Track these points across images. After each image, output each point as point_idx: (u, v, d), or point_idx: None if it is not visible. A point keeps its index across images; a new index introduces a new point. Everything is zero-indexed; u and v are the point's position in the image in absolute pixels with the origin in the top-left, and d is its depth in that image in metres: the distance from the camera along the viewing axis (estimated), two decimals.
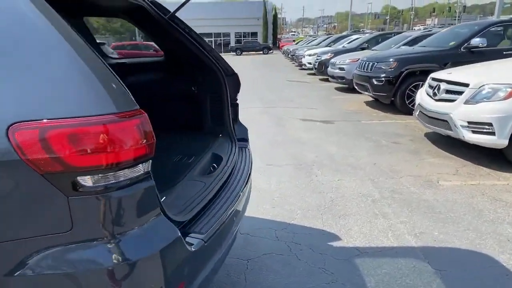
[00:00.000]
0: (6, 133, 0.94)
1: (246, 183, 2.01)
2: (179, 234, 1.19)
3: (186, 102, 2.69)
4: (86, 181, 0.99)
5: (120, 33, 33.21)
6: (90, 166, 0.99)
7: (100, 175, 1.00)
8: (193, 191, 1.64)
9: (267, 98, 9.00)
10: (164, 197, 1.53)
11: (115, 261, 1.03)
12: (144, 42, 20.32)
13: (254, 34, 43.68)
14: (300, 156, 4.42)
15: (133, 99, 1.08)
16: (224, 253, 1.58)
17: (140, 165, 1.08)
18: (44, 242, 1.01)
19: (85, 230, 1.02)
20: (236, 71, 2.43)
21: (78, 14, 2.72)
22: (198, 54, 2.32)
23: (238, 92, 2.45)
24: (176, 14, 2.27)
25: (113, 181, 1.02)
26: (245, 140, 2.46)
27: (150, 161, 1.12)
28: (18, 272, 1.01)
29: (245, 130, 2.51)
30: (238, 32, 43.69)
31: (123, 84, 1.08)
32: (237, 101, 2.48)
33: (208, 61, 2.32)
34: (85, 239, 1.02)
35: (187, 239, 1.28)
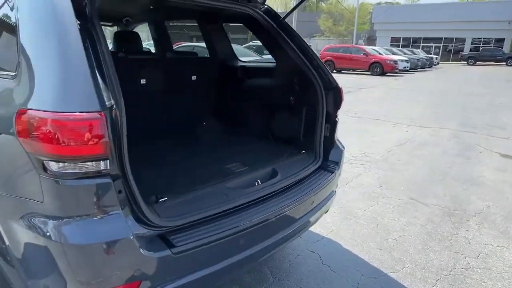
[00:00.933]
0: (15, 116, 1.20)
1: (302, 212, 1.85)
2: (131, 236, 1.26)
3: (281, 111, 2.66)
4: (51, 165, 1.17)
5: None
6: (49, 154, 1.16)
7: (60, 163, 1.17)
8: (210, 201, 1.66)
9: (469, 119, 7.37)
10: (166, 198, 1.61)
11: (55, 239, 1.20)
12: None
13: (499, 41, 35.61)
14: (462, 200, 3.48)
15: (100, 101, 1.18)
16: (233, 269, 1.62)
17: (91, 162, 1.20)
18: (31, 205, 1.25)
19: (49, 207, 1.21)
20: (338, 84, 2.23)
21: (218, 20, 3.21)
22: (300, 64, 2.28)
23: (338, 107, 2.24)
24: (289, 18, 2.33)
25: (69, 171, 1.18)
26: (335, 163, 2.22)
27: (107, 161, 1.22)
28: (21, 220, 1.28)
29: (339, 152, 2.27)
30: (477, 38, 36.78)
31: (100, 86, 1.21)
32: (337, 118, 2.27)
33: (308, 72, 2.23)
34: (48, 215, 1.22)
35: (157, 244, 1.35)
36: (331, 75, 2.24)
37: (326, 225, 2.91)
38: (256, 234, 1.65)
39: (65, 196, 1.21)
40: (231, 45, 3.40)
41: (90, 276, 1.26)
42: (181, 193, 1.71)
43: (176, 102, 3.15)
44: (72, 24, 1.26)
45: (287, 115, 2.57)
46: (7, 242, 1.36)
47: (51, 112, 1.14)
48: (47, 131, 1.15)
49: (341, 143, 2.35)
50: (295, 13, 33.71)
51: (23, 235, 1.29)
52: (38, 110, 1.16)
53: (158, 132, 2.86)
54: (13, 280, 1.43)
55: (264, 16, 2.33)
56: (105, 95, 1.22)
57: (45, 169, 1.18)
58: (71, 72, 1.20)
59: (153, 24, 4.07)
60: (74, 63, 1.21)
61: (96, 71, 1.26)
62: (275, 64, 2.71)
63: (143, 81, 2.85)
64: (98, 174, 1.22)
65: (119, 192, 1.28)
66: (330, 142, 2.26)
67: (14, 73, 1.30)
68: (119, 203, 1.27)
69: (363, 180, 3.93)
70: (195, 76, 3.13)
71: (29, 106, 1.18)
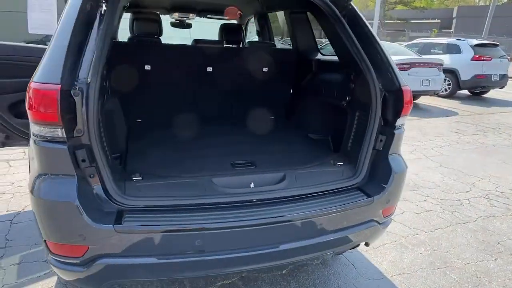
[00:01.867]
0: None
1: (307, 231, 1.67)
2: (75, 202, 1.39)
3: (333, 112, 2.45)
4: (32, 128, 1.44)
5: None
6: (31, 118, 1.43)
7: (36, 126, 1.42)
8: (184, 191, 1.68)
9: None
10: (140, 178, 1.72)
11: (31, 189, 1.47)
12: None
13: None
14: None
15: (63, 76, 1.39)
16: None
17: (49, 128, 1.40)
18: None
19: (35, 163, 1.48)
20: (403, 85, 1.90)
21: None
22: (357, 58, 1.99)
23: (398, 115, 1.88)
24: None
25: (38, 134, 1.42)
26: (381, 187, 1.83)
27: (62, 129, 1.40)
28: None
29: (388, 172, 1.87)
30: None
31: (70, 65, 1.43)
32: (399, 128, 1.92)
33: (365, 68, 1.95)
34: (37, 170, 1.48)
35: (107, 217, 1.47)
36: (398, 74, 1.93)
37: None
38: (224, 240, 1.56)
39: (38, 155, 1.46)
40: (313, 37, 3.28)
41: (44, 227, 1.47)
42: (162, 177, 1.77)
43: (242, 93, 3.22)
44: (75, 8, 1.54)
45: (338, 118, 2.32)
46: None
47: (34, 82, 1.41)
48: (29, 98, 1.41)
49: (402, 163, 1.98)
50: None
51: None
52: (32, 81, 1.43)
53: (205, 117, 2.89)
54: None
55: (327, 2, 2.05)
56: (75, 73, 1.44)
57: (32, 132, 1.45)
58: (55, 50, 1.47)
59: (257, 16, 4.10)
60: (58, 43, 1.47)
61: (75, 52, 1.47)
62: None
63: (209, 69, 3.04)
64: (54, 140, 1.42)
65: (83, 160, 1.45)
66: (382, 159, 1.91)
67: None
68: (74, 170, 1.44)
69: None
70: (266, 68, 3.13)
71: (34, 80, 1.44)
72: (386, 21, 31.96)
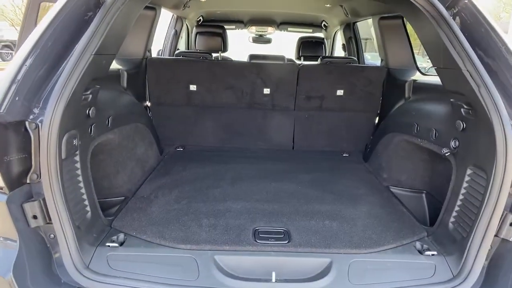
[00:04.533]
0: None
1: None
2: (8, 277, 1.03)
3: (426, 160, 1.81)
4: None
5: None
6: None
7: None
8: (171, 272, 1.25)
9: None
10: (117, 245, 1.36)
11: None
12: None
13: None
14: None
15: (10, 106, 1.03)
16: None
17: None
18: None
19: None
20: None
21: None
22: (474, 84, 1.25)
23: None
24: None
25: None
26: None
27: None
28: None
29: None
30: None
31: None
32: None
33: (489, 101, 1.22)
34: None
35: None
36: None
37: None
38: None
39: None
40: (409, 50, 2.61)
41: None
42: (145, 244, 1.39)
43: (307, 120, 2.69)
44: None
45: (437, 172, 1.73)
46: None
47: None
48: None
49: None
50: None
51: None
52: None
53: (258, 152, 2.56)
54: None
55: None
56: (36, 97, 1.08)
57: None
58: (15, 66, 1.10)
59: (343, 27, 3.67)
60: (17, 60, 1.11)
61: (43, 69, 1.12)
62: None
63: (266, 91, 2.58)
64: None
65: (34, 217, 1.09)
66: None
67: None
68: (15, 231, 1.06)
69: None
70: (341, 91, 2.58)
71: None
72: None
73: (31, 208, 1.08)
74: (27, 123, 1.04)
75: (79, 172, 1.31)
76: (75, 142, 1.26)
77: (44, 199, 1.10)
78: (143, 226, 1.53)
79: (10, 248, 1.05)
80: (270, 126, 2.73)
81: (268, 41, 4.03)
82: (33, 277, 1.09)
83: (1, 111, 0.99)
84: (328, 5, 2.93)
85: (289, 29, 3.88)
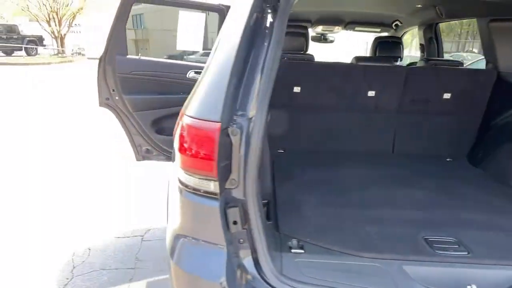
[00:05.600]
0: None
1: None
2: (224, 284, 1.08)
3: None
4: (179, 173, 1.18)
5: None
6: (181, 163, 1.18)
7: (182, 173, 1.16)
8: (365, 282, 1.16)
9: None
10: (301, 251, 1.33)
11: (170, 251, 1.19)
12: None
13: None
14: None
15: (224, 110, 1.06)
16: None
17: (199, 177, 1.09)
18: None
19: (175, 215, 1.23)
20: None
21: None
22: None
23: None
24: None
25: (184, 182, 1.14)
26: None
27: (217, 182, 1.07)
28: None
29: None
30: None
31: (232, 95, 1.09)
32: None
33: None
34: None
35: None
36: None
37: None
38: None
39: (182, 209, 1.16)
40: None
41: None
42: (329, 252, 1.32)
43: (409, 124, 2.58)
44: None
45: None
46: None
47: (189, 116, 1.11)
48: (180, 135, 1.12)
49: None
50: None
51: None
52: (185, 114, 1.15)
53: (359, 155, 2.43)
54: None
55: None
56: (234, 104, 1.08)
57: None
58: (216, 75, 1.12)
59: (423, 27, 3.46)
60: (220, 67, 1.13)
61: (238, 77, 1.10)
62: None
63: (371, 94, 2.45)
64: (203, 194, 1.09)
65: (234, 223, 1.09)
66: None
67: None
68: (224, 236, 1.08)
69: None
70: (448, 94, 2.45)
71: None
72: None
73: (233, 213, 1.09)
74: (230, 129, 1.06)
75: None
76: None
77: (243, 204, 1.10)
78: (310, 231, 1.50)
79: (220, 254, 1.10)
80: (370, 129, 2.64)
81: (331, 41, 3.93)
82: (239, 283, 1.11)
83: (219, 119, 1.04)
84: (419, 5, 2.82)
85: (356, 28, 3.77)
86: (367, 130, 2.63)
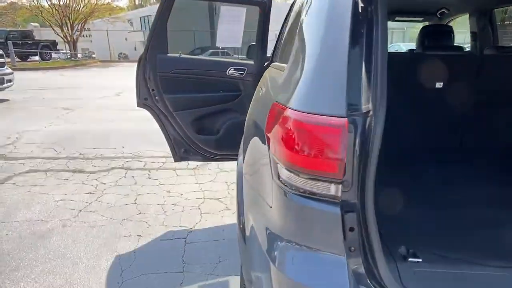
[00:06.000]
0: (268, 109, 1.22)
1: None
2: None
3: None
4: (284, 173, 1.06)
5: None
6: (283, 158, 1.07)
7: (291, 174, 1.04)
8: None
9: None
10: (419, 260, 1.18)
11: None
12: None
13: None
14: None
15: (349, 104, 0.96)
16: None
17: (315, 180, 1.00)
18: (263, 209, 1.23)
19: (272, 218, 1.15)
20: None
21: None
22: None
23: None
24: None
25: (295, 185, 1.04)
26: None
27: (339, 185, 0.98)
28: None
29: None
30: None
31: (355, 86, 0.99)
32: None
33: None
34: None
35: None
36: None
37: None
38: None
39: (285, 212, 1.06)
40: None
41: None
42: (448, 261, 1.20)
43: (486, 117, 2.41)
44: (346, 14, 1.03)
45: None
46: None
47: (293, 110, 1.02)
48: (286, 131, 1.02)
49: None
50: None
51: None
52: (283, 106, 1.07)
53: (446, 153, 2.30)
54: None
55: None
56: (362, 97, 0.97)
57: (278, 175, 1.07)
58: (329, 65, 1.02)
59: (477, 14, 3.21)
60: (331, 56, 1.02)
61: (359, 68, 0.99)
62: None
63: (438, 85, 2.30)
64: (319, 198, 0.99)
65: (350, 229, 0.98)
66: None
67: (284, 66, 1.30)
68: (343, 244, 0.98)
69: None
70: None
71: (278, 100, 1.14)
72: None
73: (351, 219, 0.98)
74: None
75: None
76: None
77: (360, 209, 0.99)
78: (416, 236, 1.37)
79: (341, 264, 0.98)
80: (434, 122, 2.48)
81: None
82: None
83: (344, 114, 0.94)
84: None
85: (396, 18, 3.60)
86: (431, 123, 2.46)
